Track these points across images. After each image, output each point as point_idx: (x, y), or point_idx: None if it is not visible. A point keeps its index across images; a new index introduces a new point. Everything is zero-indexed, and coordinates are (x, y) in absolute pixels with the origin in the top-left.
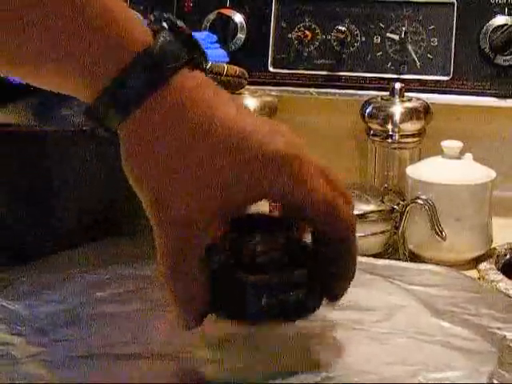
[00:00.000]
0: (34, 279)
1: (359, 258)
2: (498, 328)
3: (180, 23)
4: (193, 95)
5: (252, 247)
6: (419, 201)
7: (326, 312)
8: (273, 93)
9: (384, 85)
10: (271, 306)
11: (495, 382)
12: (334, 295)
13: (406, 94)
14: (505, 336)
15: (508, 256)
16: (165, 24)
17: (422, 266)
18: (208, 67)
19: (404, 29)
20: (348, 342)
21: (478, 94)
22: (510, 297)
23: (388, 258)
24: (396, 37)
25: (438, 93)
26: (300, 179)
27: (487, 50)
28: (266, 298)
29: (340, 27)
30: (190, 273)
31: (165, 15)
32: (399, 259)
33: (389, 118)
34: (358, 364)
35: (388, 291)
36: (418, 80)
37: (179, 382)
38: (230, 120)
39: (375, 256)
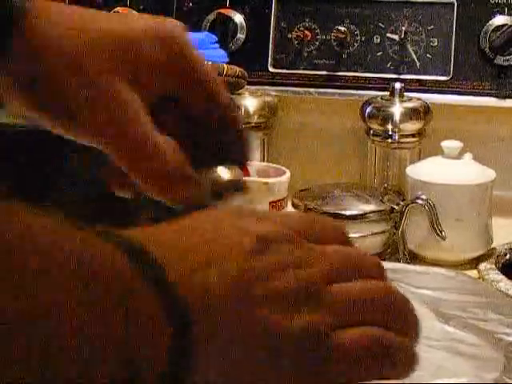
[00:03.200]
0: None
1: None
2: (505, 333)
3: None
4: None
5: None
6: (419, 201)
7: None
8: (273, 93)
9: (384, 85)
10: None
11: None
12: (240, 159)
13: (405, 93)
14: (511, 342)
15: (508, 256)
16: None
17: (429, 269)
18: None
19: (404, 29)
20: None
21: (477, 94)
22: (506, 295)
23: (388, 258)
24: (396, 37)
25: (438, 93)
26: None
27: (487, 50)
28: None
29: (340, 27)
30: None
31: None
32: (399, 259)
33: (389, 117)
34: None
35: None
36: (418, 80)
37: None
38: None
39: (376, 256)
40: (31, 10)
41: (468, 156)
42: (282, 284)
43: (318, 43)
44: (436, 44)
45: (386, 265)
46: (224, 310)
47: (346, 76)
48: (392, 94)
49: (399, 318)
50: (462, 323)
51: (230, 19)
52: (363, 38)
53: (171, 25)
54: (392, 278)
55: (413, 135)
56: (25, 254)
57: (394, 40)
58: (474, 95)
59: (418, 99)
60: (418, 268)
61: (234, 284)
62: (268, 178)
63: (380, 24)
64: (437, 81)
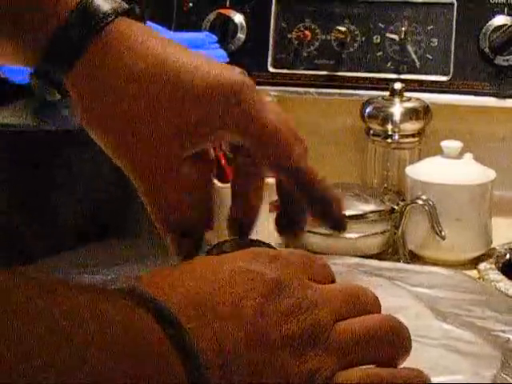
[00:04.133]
0: None
1: (363, 260)
2: (502, 331)
3: None
4: (131, 41)
5: None
6: (419, 201)
7: None
8: (273, 93)
9: (384, 85)
10: None
11: None
12: (337, 222)
13: (405, 93)
14: (509, 339)
15: (508, 256)
16: None
17: (427, 268)
18: None
19: (404, 29)
20: None
21: (477, 94)
22: (506, 295)
23: (388, 258)
24: (396, 37)
25: (438, 93)
26: (252, 105)
27: (487, 50)
28: None
29: (340, 27)
30: (169, 185)
31: None
32: (399, 259)
33: (389, 117)
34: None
35: (391, 293)
36: (418, 80)
37: None
38: (173, 60)
39: (375, 256)
40: (113, 31)
41: (468, 156)
42: (296, 327)
43: (317, 43)
44: (436, 44)
45: (382, 264)
46: (241, 361)
47: (346, 76)
48: (392, 93)
49: (401, 349)
50: (458, 321)
51: (230, 19)
52: (363, 38)
53: (240, 79)
54: (389, 276)
55: (413, 135)
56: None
57: (394, 40)
58: (474, 95)
59: (418, 99)
60: (413, 267)
61: (250, 331)
62: (268, 178)
63: (380, 24)
64: (437, 81)
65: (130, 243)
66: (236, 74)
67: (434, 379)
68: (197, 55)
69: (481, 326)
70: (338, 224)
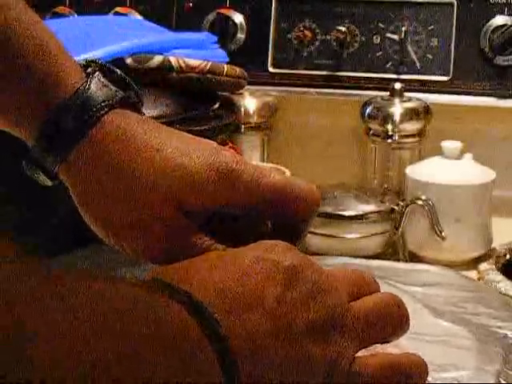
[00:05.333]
0: None
1: (352, 260)
2: (499, 327)
3: (110, 66)
4: (124, 135)
5: None
6: (419, 201)
7: None
8: (273, 93)
9: (384, 85)
10: None
11: (502, 381)
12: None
13: (405, 94)
14: (506, 334)
15: (508, 256)
16: (96, 67)
17: (417, 266)
18: (208, 67)
19: (404, 29)
20: None
21: (477, 94)
22: (505, 295)
23: (388, 259)
24: (396, 37)
25: (438, 93)
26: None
27: (487, 50)
28: None
29: (340, 27)
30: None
31: (95, 61)
32: (399, 259)
33: (389, 118)
34: None
35: (385, 291)
36: (418, 80)
37: None
38: (157, 163)
39: (375, 256)
40: (107, 124)
41: (468, 156)
42: (317, 314)
43: (317, 43)
44: (436, 44)
45: (373, 263)
46: (269, 351)
47: (346, 76)
48: (392, 94)
49: (404, 325)
50: (455, 318)
51: (230, 19)
52: (363, 38)
53: (229, 159)
54: (381, 275)
55: (413, 135)
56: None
57: (394, 40)
58: (474, 95)
59: (418, 99)
60: (403, 265)
61: (275, 321)
62: None
63: (380, 24)
64: (437, 81)
65: None
66: (226, 156)
67: (441, 375)
68: (188, 141)
69: (477, 323)
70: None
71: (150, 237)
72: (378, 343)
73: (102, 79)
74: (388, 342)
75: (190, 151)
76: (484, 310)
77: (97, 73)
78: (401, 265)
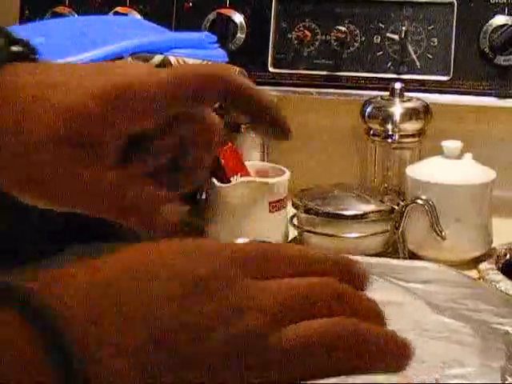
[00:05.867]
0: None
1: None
2: (500, 323)
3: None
4: (15, 87)
5: None
6: (419, 201)
7: None
8: (273, 93)
9: (384, 85)
10: None
11: (508, 377)
12: (284, 132)
13: (405, 93)
14: (507, 331)
15: (508, 256)
16: None
17: (415, 263)
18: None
19: (404, 29)
20: None
21: (477, 94)
22: (503, 292)
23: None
24: (396, 37)
25: (438, 93)
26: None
27: (487, 50)
28: None
29: (340, 27)
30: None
31: None
32: (399, 259)
33: (389, 117)
34: None
35: (386, 289)
36: (418, 80)
37: None
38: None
39: (375, 256)
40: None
41: (468, 156)
42: (220, 339)
43: (317, 43)
44: (436, 44)
45: (374, 260)
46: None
47: (346, 76)
48: (392, 94)
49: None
50: (456, 314)
51: (230, 19)
52: (363, 38)
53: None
54: (381, 272)
55: (413, 135)
56: None
57: (394, 40)
58: (474, 95)
59: (418, 99)
60: (402, 262)
61: (161, 333)
62: (268, 178)
63: (380, 24)
64: (437, 81)
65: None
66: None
67: (445, 372)
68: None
69: (479, 319)
70: (283, 128)
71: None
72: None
73: None
74: None
75: (76, 84)
76: (484, 307)
77: None
78: (400, 262)
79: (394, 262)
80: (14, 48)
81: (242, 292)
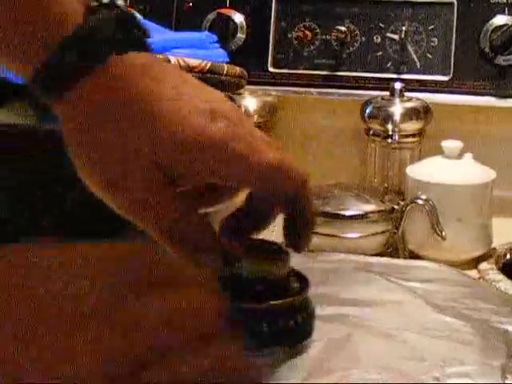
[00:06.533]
0: None
1: (351, 257)
2: (500, 322)
3: (120, 2)
4: (126, 77)
5: (250, 275)
6: (419, 201)
7: (325, 308)
8: (273, 93)
9: (384, 85)
10: (272, 332)
11: (509, 376)
12: (299, 247)
13: (405, 93)
14: (507, 330)
15: (508, 256)
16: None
17: (414, 263)
18: (208, 67)
19: (404, 29)
20: (353, 339)
21: (477, 94)
22: (502, 291)
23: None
24: (396, 37)
25: (438, 93)
26: (229, 160)
27: (487, 50)
28: (267, 326)
29: (340, 27)
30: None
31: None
32: (399, 259)
33: (389, 117)
34: (374, 360)
35: (386, 288)
36: (418, 80)
37: None
38: (163, 105)
39: (375, 256)
40: (109, 63)
41: (468, 156)
42: None
43: (318, 43)
44: (436, 44)
45: (374, 259)
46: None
47: (346, 76)
48: (392, 94)
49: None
50: (456, 313)
51: (230, 19)
52: (363, 38)
53: (222, 130)
54: (381, 271)
55: (413, 135)
56: None
57: (394, 40)
58: (474, 95)
59: (418, 99)
60: (399, 261)
61: None
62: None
63: (380, 24)
64: (437, 81)
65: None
66: (219, 125)
67: (446, 371)
68: (191, 94)
69: (479, 318)
70: (300, 246)
71: (131, 190)
72: None
73: (102, 16)
74: None
75: (185, 111)
76: (484, 306)
77: (99, 11)
78: (399, 261)
79: (394, 261)
80: (129, 35)
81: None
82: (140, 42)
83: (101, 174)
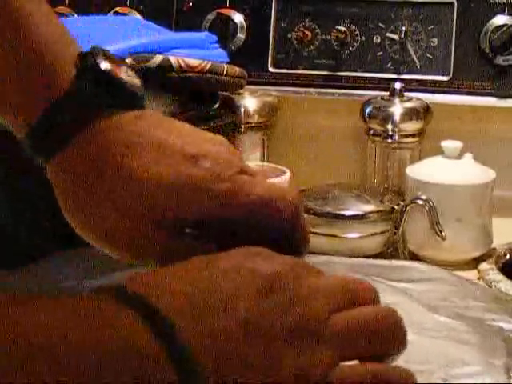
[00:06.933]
0: (28, 286)
1: (339, 259)
2: (493, 319)
3: (105, 65)
4: (109, 140)
5: None
6: (419, 201)
7: None
8: (273, 93)
9: (384, 85)
10: None
11: None
12: (301, 252)
13: (405, 93)
14: (501, 327)
15: (508, 256)
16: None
17: (401, 263)
18: (208, 67)
19: (404, 29)
20: None
21: (477, 94)
22: (489, 288)
23: (388, 259)
24: (396, 37)
25: (438, 93)
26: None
27: (487, 50)
28: None
29: (340, 27)
30: None
31: (94, 52)
32: (399, 259)
33: (389, 117)
34: None
35: (381, 289)
36: (418, 80)
37: None
38: (138, 171)
39: (375, 256)
40: (96, 124)
41: (468, 156)
42: (291, 320)
43: (318, 43)
44: (436, 44)
45: (362, 261)
46: (236, 353)
47: (346, 76)
48: (392, 94)
49: (397, 342)
50: (450, 313)
51: (230, 19)
52: (363, 38)
53: (207, 171)
54: (371, 273)
55: (413, 135)
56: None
57: (394, 40)
58: (474, 95)
59: (418, 99)
60: (389, 262)
61: (246, 327)
62: (268, 178)
63: (380, 24)
64: (437, 81)
65: None
66: (204, 167)
67: (451, 372)
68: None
69: (472, 317)
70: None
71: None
72: (366, 357)
73: (90, 81)
74: (384, 358)
75: (171, 160)
76: (474, 304)
77: (87, 73)
78: (385, 262)
79: (378, 262)
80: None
81: (313, 283)
82: (126, 102)
83: (91, 233)
